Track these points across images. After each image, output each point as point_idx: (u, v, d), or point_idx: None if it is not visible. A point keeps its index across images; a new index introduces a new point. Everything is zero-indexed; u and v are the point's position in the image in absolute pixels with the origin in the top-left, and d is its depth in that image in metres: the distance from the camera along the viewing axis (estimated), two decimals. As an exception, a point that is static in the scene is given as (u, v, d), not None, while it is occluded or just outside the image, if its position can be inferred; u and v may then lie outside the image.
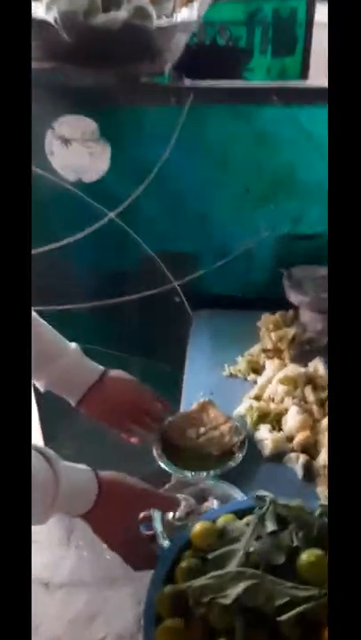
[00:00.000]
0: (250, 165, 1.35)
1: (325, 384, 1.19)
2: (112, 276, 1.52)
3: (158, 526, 0.89)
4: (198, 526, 0.79)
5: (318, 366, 1.24)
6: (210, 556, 0.73)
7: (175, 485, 1.00)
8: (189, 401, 1.21)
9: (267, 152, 1.33)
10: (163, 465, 1.05)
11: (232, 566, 0.70)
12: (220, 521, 0.80)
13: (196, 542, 0.78)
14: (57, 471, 0.72)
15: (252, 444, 1.09)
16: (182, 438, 1.10)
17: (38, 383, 1.00)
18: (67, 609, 1.75)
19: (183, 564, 0.74)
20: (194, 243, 1.47)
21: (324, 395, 1.16)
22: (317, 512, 0.80)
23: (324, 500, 0.96)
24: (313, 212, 1.39)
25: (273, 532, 0.73)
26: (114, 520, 0.78)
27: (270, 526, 0.74)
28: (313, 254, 1.43)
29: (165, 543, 0.87)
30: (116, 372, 1.04)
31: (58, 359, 0.98)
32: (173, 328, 1.51)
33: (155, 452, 1.08)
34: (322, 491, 0.99)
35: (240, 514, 0.83)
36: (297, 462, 1.04)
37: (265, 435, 1.09)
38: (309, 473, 1.03)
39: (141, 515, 0.87)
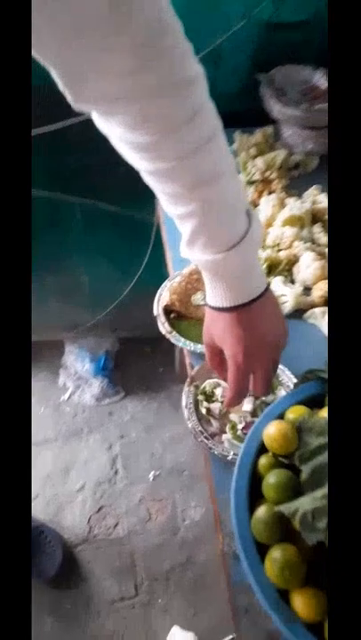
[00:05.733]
0: None
1: (333, 220, 1.03)
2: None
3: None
4: (274, 430, 0.66)
5: (318, 197, 1.07)
6: (305, 470, 0.62)
7: (200, 370, 0.85)
8: (177, 260, 1.01)
9: None
10: (178, 343, 0.88)
11: (339, 479, 0.60)
12: (293, 417, 0.68)
13: (274, 448, 0.66)
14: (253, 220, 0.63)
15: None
16: (189, 307, 0.92)
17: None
18: (37, 468, 1.70)
19: (271, 478, 0.63)
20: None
21: (335, 233, 1.01)
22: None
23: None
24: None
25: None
26: (255, 325, 0.66)
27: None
28: (297, 50, 1.14)
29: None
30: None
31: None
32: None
33: (164, 331, 0.90)
34: (354, 346, 0.90)
35: (308, 402, 0.72)
36: (323, 318, 0.92)
37: (281, 289, 0.94)
38: (337, 327, 0.92)
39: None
